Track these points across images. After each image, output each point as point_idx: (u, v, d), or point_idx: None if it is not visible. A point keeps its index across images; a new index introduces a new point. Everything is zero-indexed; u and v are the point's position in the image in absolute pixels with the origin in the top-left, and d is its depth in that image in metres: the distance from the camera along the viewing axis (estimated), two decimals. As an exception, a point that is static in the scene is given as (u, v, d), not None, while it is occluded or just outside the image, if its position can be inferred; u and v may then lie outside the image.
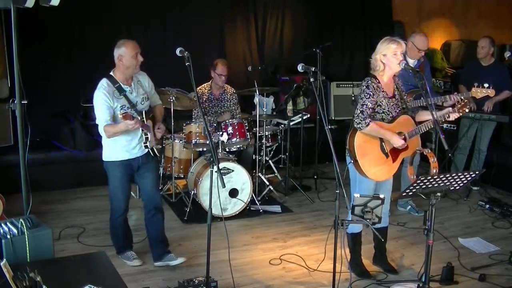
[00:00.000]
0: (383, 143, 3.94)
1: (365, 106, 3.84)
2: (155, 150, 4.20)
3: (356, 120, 3.86)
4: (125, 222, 4.37)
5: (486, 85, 4.56)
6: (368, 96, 3.85)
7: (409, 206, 5.67)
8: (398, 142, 3.86)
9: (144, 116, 4.03)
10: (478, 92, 4.57)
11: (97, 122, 3.96)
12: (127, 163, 4.11)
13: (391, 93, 3.98)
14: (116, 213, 4.26)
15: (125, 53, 3.94)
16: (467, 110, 3.95)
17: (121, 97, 3.97)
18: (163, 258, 4.31)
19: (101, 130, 3.94)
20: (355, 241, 4.26)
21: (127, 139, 4.04)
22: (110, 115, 3.91)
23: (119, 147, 4.05)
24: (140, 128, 3.95)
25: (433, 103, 4.05)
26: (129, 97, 4.01)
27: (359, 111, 3.84)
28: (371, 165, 3.92)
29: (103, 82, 3.97)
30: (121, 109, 3.93)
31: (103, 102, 3.90)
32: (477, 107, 6.09)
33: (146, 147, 4.08)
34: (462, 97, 3.96)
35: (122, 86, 3.99)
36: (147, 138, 4.06)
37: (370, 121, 3.82)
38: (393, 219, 5.41)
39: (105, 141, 4.09)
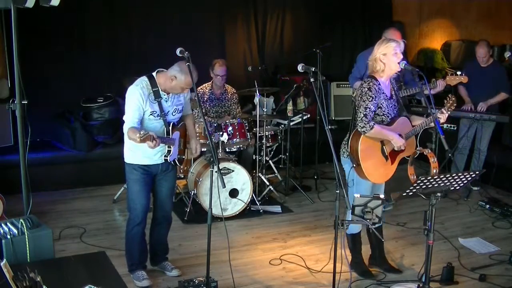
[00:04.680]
0: (383, 146, 3.94)
1: (368, 109, 3.78)
2: (176, 160, 4.01)
3: (360, 124, 3.78)
4: (141, 236, 4.06)
5: (459, 72, 4.74)
6: (371, 99, 3.80)
7: None
8: (399, 142, 3.85)
9: (170, 128, 3.87)
10: (453, 79, 4.69)
11: (124, 118, 3.78)
12: (146, 168, 3.91)
13: (389, 94, 3.98)
14: (132, 222, 3.98)
15: (179, 81, 3.74)
16: (453, 106, 3.92)
17: (155, 102, 3.78)
18: (159, 264, 4.29)
19: (125, 129, 3.76)
20: (355, 241, 4.26)
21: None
22: (140, 117, 3.73)
23: (139, 152, 3.85)
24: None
25: (425, 95, 4.06)
26: (163, 105, 3.82)
27: (362, 115, 3.77)
28: (373, 169, 3.91)
29: (142, 81, 3.79)
30: (150, 114, 3.78)
31: (136, 101, 3.71)
32: (474, 107, 6.10)
33: (166, 160, 3.91)
34: (450, 95, 3.97)
35: (160, 91, 3.80)
36: (169, 151, 3.88)
37: (374, 124, 3.78)
38: (393, 219, 5.42)
39: (126, 143, 3.89)
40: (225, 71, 5.95)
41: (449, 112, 3.88)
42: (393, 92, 4.00)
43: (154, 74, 3.85)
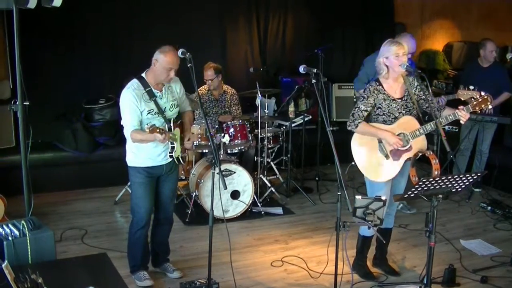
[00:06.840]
0: (381, 144, 3.95)
1: (357, 108, 3.97)
2: (180, 158, 4.02)
3: (347, 123, 4.02)
4: (145, 239, 4.07)
5: (471, 87, 4.62)
6: (362, 99, 3.98)
7: (401, 204, 5.64)
8: (391, 139, 3.87)
9: (172, 125, 3.87)
10: (465, 94, 4.61)
11: (122, 123, 3.79)
12: (150, 170, 3.91)
13: (397, 95, 3.97)
14: (135, 226, 3.99)
15: (160, 61, 3.75)
16: (490, 107, 3.80)
17: (150, 102, 3.79)
18: (161, 266, 4.29)
19: (127, 133, 3.78)
20: (364, 244, 4.27)
21: (152, 147, 3.84)
22: (138, 119, 3.74)
23: (143, 154, 3.86)
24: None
25: (436, 104, 4.02)
26: (158, 102, 3.82)
27: (351, 114, 3.99)
28: (368, 166, 3.99)
29: (133, 83, 3.80)
30: (148, 113, 3.77)
31: (130, 104, 3.72)
32: None
33: (171, 157, 3.92)
34: (482, 93, 3.85)
35: (153, 90, 3.81)
36: (173, 148, 3.88)
37: (359, 122, 3.93)
38: (395, 221, 5.39)
39: (129, 145, 3.91)
40: (212, 75, 5.86)
41: (477, 111, 3.77)
42: (406, 93, 3.99)
43: (143, 74, 3.86)
